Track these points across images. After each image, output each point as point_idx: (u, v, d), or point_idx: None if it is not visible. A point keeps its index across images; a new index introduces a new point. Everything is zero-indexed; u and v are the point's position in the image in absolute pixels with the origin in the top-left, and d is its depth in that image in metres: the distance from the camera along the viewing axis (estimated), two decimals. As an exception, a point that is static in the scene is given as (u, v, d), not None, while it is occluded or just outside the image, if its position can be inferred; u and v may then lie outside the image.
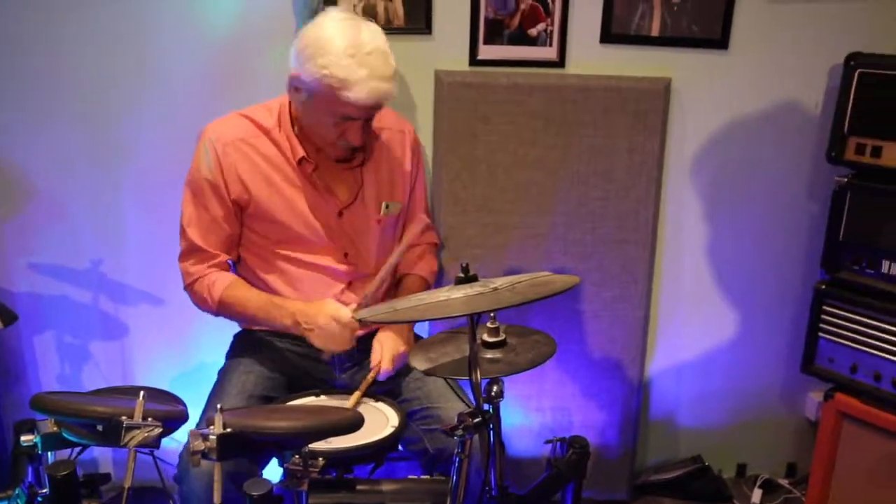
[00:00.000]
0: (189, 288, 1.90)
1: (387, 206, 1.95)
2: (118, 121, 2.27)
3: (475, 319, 1.31)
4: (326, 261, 1.91)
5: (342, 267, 1.93)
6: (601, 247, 2.37)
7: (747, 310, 2.56)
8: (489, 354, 1.47)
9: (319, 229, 1.89)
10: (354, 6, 2.22)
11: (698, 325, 2.56)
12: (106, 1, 2.18)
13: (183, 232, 1.88)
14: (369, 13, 2.22)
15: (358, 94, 1.67)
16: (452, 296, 1.26)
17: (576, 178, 2.32)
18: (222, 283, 1.86)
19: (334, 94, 1.68)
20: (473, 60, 2.27)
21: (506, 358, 1.46)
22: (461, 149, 2.28)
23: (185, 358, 2.47)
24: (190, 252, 1.89)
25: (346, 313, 1.76)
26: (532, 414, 2.49)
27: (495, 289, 1.26)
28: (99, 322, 2.45)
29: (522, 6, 2.23)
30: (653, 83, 2.27)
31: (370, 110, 1.76)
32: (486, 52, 2.27)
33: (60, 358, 2.50)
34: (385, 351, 1.87)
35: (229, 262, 1.93)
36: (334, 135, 1.78)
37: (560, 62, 2.28)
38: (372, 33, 1.75)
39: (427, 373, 1.44)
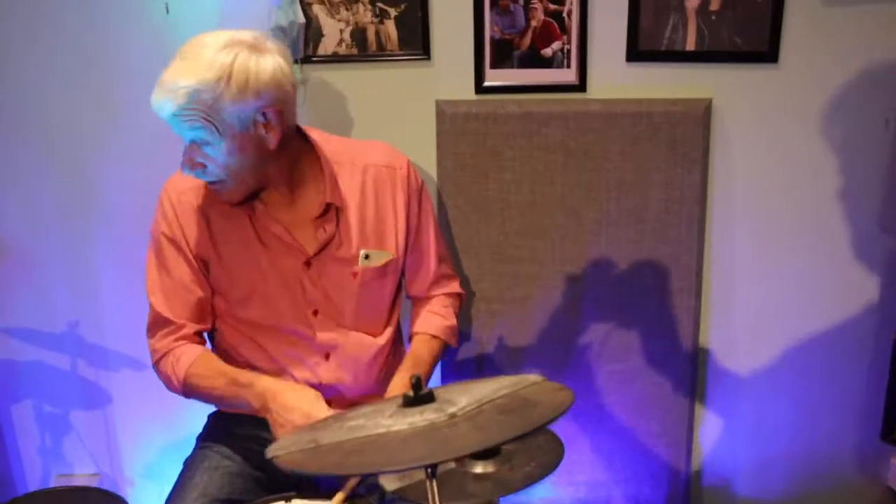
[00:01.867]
0: (155, 366, 1.64)
1: (366, 256, 1.63)
2: (88, 170, 2.06)
3: (428, 471, 0.96)
4: (295, 321, 1.62)
5: (312, 330, 1.63)
6: (637, 298, 2.05)
7: (813, 365, 2.17)
8: (478, 468, 1.17)
9: (282, 283, 1.61)
10: (341, 31, 1.95)
11: (755, 383, 2.20)
12: (71, 49, 1.97)
13: (149, 301, 1.64)
14: (358, 39, 1.95)
15: None
16: (394, 427, 0.93)
17: (604, 219, 2.00)
18: (188, 358, 1.58)
19: None
20: (480, 88, 1.98)
21: (498, 473, 1.15)
22: (470, 189, 1.99)
23: (172, 426, 2.22)
24: (155, 324, 1.62)
25: (323, 413, 1.45)
26: (563, 488, 2.17)
27: (453, 416, 0.93)
28: (79, 389, 2.23)
29: (534, 23, 1.93)
30: (690, 106, 1.94)
31: (174, 126, 1.46)
32: (494, 77, 1.97)
33: (40, 428, 2.28)
34: None
35: (202, 332, 1.66)
36: None
37: (580, 85, 1.97)
38: (192, 40, 1.46)
39: (397, 495, 1.14)
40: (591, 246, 2.01)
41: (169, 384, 1.61)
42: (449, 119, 1.96)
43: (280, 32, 1.90)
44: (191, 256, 1.59)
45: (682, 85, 1.95)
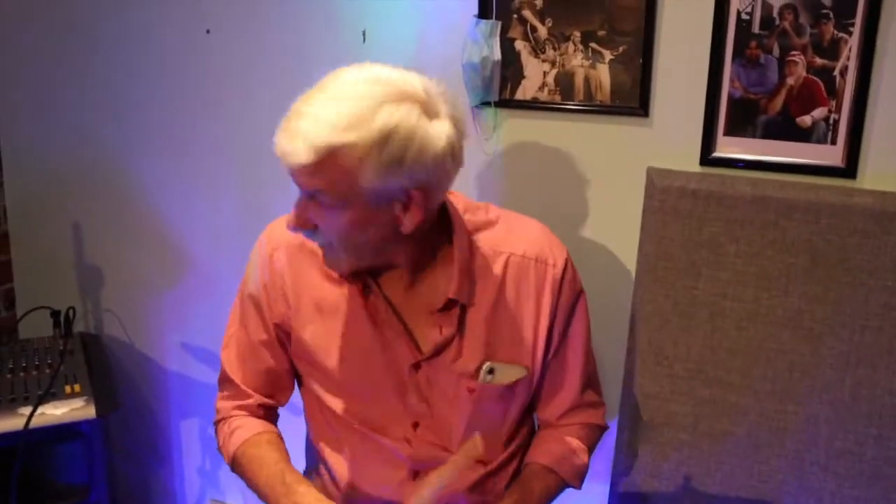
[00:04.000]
0: (215, 426, 1.43)
1: (490, 371, 1.27)
2: (266, 190, 1.96)
3: None
4: (387, 431, 1.32)
5: (406, 445, 1.32)
6: (891, 468, 1.46)
7: None
8: None
9: (379, 383, 1.30)
10: (545, 74, 1.63)
11: None
12: (269, 75, 1.88)
13: (220, 356, 1.43)
14: (563, 84, 1.62)
15: None
16: None
17: (854, 354, 1.45)
18: (242, 434, 1.34)
19: None
20: (706, 158, 1.54)
21: None
22: (674, 285, 1.56)
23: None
24: (222, 382, 1.42)
25: None
26: None
27: None
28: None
29: (790, 81, 1.45)
30: None
31: (293, 175, 1.10)
32: (727, 146, 1.53)
33: (202, 449, 2.25)
34: None
35: (271, 407, 1.40)
36: None
37: (848, 170, 1.45)
38: (343, 74, 1.10)
39: None
40: (831, 386, 1.47)
41: (222, 454, 1.40)
42: (660, 193, 1.54)
43: (471, 70, 1.63)
44: (269, 324, 1.34)
45: None
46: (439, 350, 1.26)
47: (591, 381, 1.39)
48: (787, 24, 1.43)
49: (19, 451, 1.72)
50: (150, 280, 2.18)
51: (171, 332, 2.19)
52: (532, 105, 1.67)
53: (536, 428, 1.44)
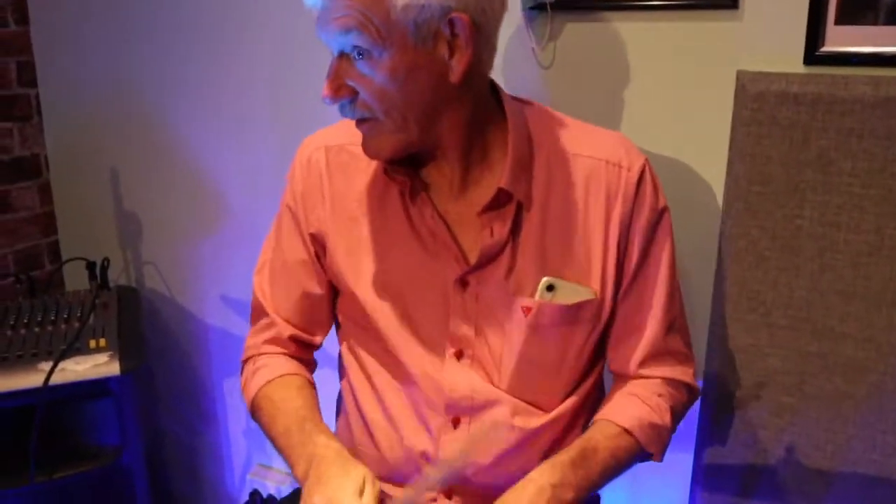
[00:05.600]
0: (241, 367, 1.25)
1: (549, 287, 1.05)
2: (302, 131, 1.76)
3: None
4: (424, 362, 1.11)
5: (447, 376, 1.10)
6: None
7: None
8: None
9: (419, 304, 1.10)
10: (611, -36, 1.36)
11: None
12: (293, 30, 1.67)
13: (253, 282, 1.26)
14: (633, -25, 1.34)
15: None
16: None
17: None
18: (266, 374, 1.17)
19: None
20: (813, 55, 1.24)
21: None
22: (772, 214, 1.27)
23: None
24: (254, 312, 1.24)
25: None
26: None
27: None
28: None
29: (925, -52, 1.13)
30: None
31: (320, 29, 0.97)
32: (840, 38, 1.22)
33: (246, 411, 2.09)
34: None
35: (305, 343, 1.22)
36: None
37: None
38: None
39: None
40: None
41: (244, 396, 1.22)
42: (753, 101, 1.25)
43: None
44: (306, 237, 1.17)
45: None
46: (489, 257, 1.07)
47: (676, 325, 1.14)
48: None
49: (38, 410, 1.59)
50: (188, 229, 2.03)
51: (211, 285, 2.03)
52: (596, 4, 1.39)
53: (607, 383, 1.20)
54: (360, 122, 1.03)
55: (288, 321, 1.20)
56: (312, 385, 1.20)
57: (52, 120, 2.15)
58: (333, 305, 1.22)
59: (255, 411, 1.18)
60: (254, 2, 1.77)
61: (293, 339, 1.20)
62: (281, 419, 1.11)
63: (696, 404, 1.36)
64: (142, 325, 1.94)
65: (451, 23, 0.95)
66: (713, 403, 1.37)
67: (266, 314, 1.20)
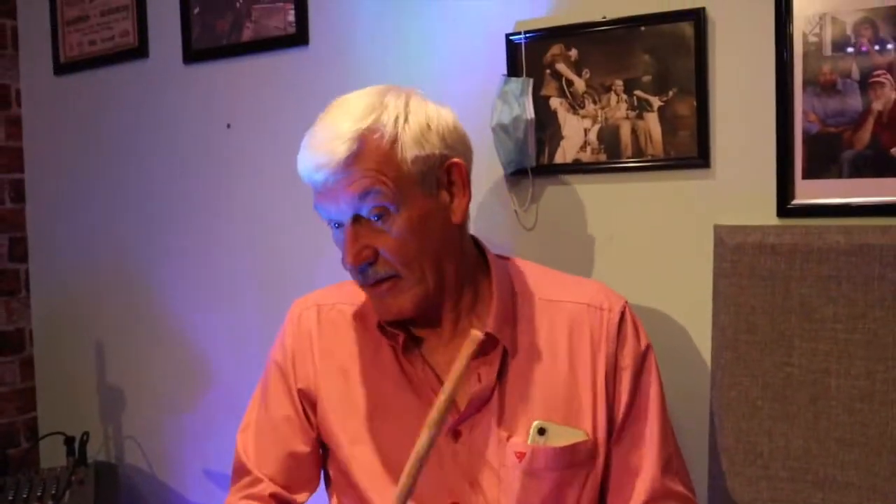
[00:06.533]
0: None
1: (540, 431, 1.05)
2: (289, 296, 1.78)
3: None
4: None
5: None
6: None
7: None
8: None
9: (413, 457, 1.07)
10: (586, 131, 1.44)
11: None
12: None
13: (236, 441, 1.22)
14: (608, 140, 1.43)
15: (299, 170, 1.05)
16: None
17: None
18: None
19: None
20: (785, 208, 1.29)
21: None
22: (760, 363, 1.27)
23: None
24: (235, 472, 1.20)
25: None
26: None
27: None
28: None
29: (877, 106, 1.22)
30: None
31: (328, 201, 1.03)
32: (809, 191, 1.28)
33: None
34: None
35: (286, 500, 1.16)
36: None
37: (964, 207, 1.19)
38: (348, 95, 1.08)
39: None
40: (984, 483, 1.14)
41: None
42: (732, 254, 1.29)
43: (502, 133, 1.45)
44: (294, 395, 1.16)
45: None
46: (478, 404, 1.06)
47: (673, 464, 1.11)
48: (865, 41, 1.22)
49: None
50: (171, 401, 1.99)
51: (193, 458, 1.97)
52: (574, 168, 1.47)
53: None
54: (379, 284, 1.05)
55: (272, 480, 1.15)
56: None
57: (39, 293, 2.16)
58: (321, 463, 1.19)
59: None
60: (239, 174, 1.85)
61: (274, 496, 1.15)
62: None
63: (703, 567, 1.30)
64: (119, 503, 1.86)
65: (449, 169, 1.05)
66: (720, 564, 1.31)
67: (248, 473, 1.16)
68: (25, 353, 2.14)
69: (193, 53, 1.89)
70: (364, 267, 1.04)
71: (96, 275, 2.07)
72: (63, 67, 2.10)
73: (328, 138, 1.01)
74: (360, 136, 1.00)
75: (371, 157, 1.00)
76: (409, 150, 1.01)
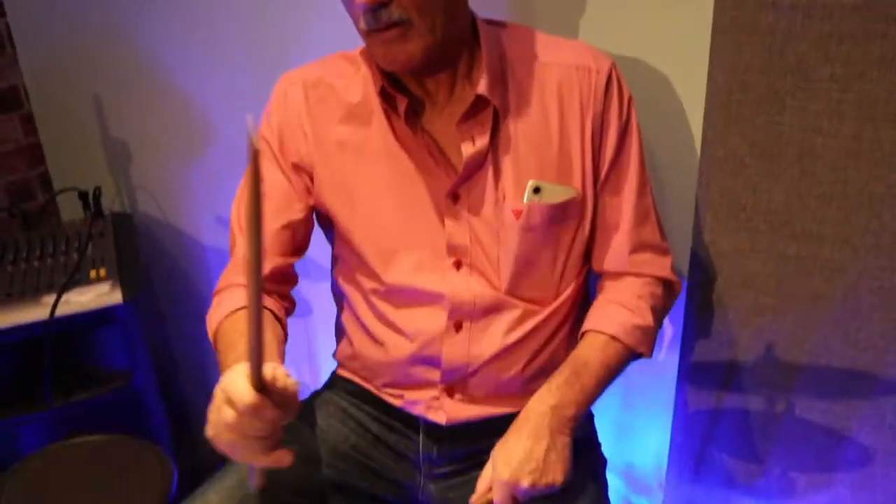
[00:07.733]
0: (213, 299, 1.23)
1: (535, 189, 1.13)
2: (287, 53, 1.74)
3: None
4: (425, 275, 1.17)
5: (447, 286, 1.16)
6: None
7: None
8: None
9: (415, 221, 1.16)
10: None
11: None
12: None
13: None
14: None
15: None
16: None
17: (984, 195, 1.17)
18: (226, 307, 1.14)
19: None
20: (792, -43, 1.21)
21: None
22: (752, 121, 1.28)
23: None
24: (232, 246, 1.25)
25: (243, 393, 0.85)
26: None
27: None
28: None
29: None
30: None
31: None
32: (821, -62, 1.19)
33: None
34: (497, 479, 1.08)
35: (281, 273, 1.21)
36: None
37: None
38: None
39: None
40: (952, 235, 1.20)
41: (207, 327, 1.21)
42: (732, 7, 1.24)
43: None
44: (283, 167, 1.19)
45: None
46: (474, 166, 1.13)
47: (647, 216, 1.21)
48: None
49: (47, 342, 1.65)
50: (177, 152, 2.02)
51: (205, 208, 2.05)
52: None
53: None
54: (391, 28, 1.03)
55: (267, 250, 1.19)
56: (278, 319, 1.18)
57: (26, 50, 2.10)
58: (312, 227, 1.25)
59: (215, 343, 1.15)
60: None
61: (270, 272, 1.20)
62: (223, 340, 1.11)
63: (682, 306, 1.42)
64: (139, 250, 1.97)
65: None
66: (697, 305, 1.42)
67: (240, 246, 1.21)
68: (24, 110, 2.13)
69: None
70: (378, 6, 1.01)
71: (84, 29, 1.99)
72: None
73: None
74: None
75: None
76: None
